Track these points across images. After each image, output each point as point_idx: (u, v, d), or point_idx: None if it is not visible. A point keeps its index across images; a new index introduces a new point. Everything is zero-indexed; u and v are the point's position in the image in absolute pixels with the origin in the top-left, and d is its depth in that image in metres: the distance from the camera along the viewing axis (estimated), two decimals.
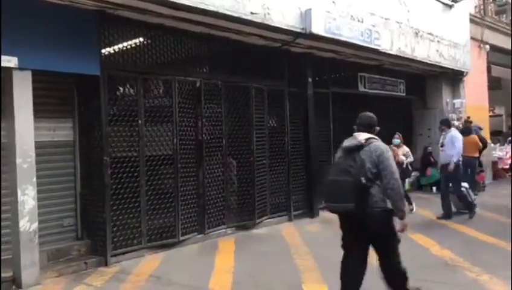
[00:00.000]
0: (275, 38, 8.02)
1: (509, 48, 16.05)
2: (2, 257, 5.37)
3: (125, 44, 6.59)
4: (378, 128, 4.28)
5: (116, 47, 6.45)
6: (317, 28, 7.98)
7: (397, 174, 3.85)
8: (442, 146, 9.01)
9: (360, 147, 3.91)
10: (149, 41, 6.86)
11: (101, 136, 6.10)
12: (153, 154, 6.72)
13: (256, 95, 8.24)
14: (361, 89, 11.14)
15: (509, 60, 16.36)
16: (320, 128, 9.90)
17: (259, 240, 7.54)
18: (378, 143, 3.98)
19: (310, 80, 9.37)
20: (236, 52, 8.07)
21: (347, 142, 4.04)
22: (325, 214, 9.45)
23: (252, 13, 6.95)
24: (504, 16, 15.81)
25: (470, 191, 9.20)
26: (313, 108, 9.44)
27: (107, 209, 6.11)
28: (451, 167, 8.57)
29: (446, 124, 9.20)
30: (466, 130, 12.01)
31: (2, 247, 5.44)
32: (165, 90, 7.00)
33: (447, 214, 8.75)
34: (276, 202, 8.83)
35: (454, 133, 8.98)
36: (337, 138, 10.97)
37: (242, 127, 8.07)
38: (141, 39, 6.78)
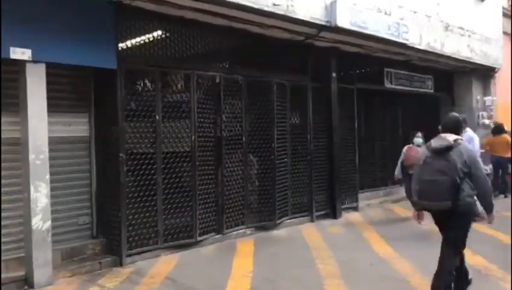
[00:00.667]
0: (298, 31, 7.69)
1: None
2: (14, 256, 5.24)
3: (143, 37, 6.36)
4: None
5: (133, 40, 6.22)
6: (343, 21, 7.63)
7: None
8: None
9: (449, 148, 4.02)
10: (168, 34, 6.61)
11: (117, 132, 5.90)
12: (171, 151, 6.48)
13: (277, 91, 7.93)
14: (387, 85, 10.72)
15: None
16: (345, 125, 9.55)
17: (280, 241, 7.25)
18: (465, 144, 4.23)
19: (334, 75, 9.02)
20: (257, 46, 7.77)
21: (435, 143, 4.14)
22: (348, 215, 9.16)
23: (274, 5, 6.64)
24: None
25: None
26: (337, 104, 9.09)
27: (122, 207, 5.90)
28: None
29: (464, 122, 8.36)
30: (497, 129, 11.50)
31: (15, 245, 5.30)
32: (184, 85, 6.75)
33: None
34: (297, 202, 8.52)
35: (471, 133, 8.47)
36: (362, 135, 10.71)
37: (263, 124, 7.77)
38: (159, 32, 6.54)
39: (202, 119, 6.82)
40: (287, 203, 8.23)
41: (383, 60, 10.31)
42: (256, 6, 6.41)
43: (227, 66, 7.45)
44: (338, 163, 9.14)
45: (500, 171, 11.35)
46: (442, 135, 4.19)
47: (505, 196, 11.12)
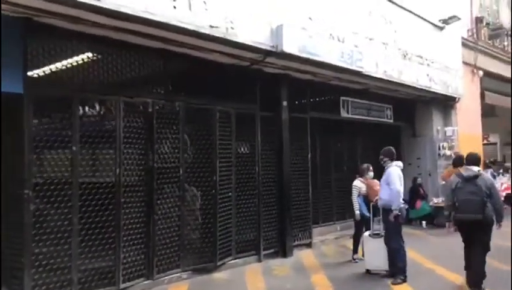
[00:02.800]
0: (242, 56, 7.15)
1: (504, 73, 15.35)
2: None
3: (59, 58, 5.66)
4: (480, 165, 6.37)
5: (47, 62, 5.50)
6: (290, 47, 7.14)
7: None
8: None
9: (476, 176, 5.73)
10: (90, 56, 5.96)
11: (22, 165, 5.14)
12: (90, 186, 5.73)
13: (221, 119, 7.32)
14: (343, 114, 10.26)
15: (504, 87, 15.64)
16: (297, 156, 8.98)
17: (218, 287, 6.53)
18: (486, 175, 6.32)
19: (285, 103, 8.48)
20: (198, 71, 7.18)
21: (466, 173, 5.81)
22: (299, 253, 8.51)
23: (211, 27, 6.09)
24: (498, 40, 15.12)
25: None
26: (288, 134, 8.53)
27: (27, 252, 5.10)
28: (391, 216, 6.48)
29: (388, 154, 6.92)
30: (458, 160, 11.12)
31: None
32: (109, 113, 6.06)
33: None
34: (243, 240, 7.82)
35: (393, 169, 6.70)
36: (318, 166, 10.17)
37: (204, 155, 7.12)
38: (80, 53, 5.85)
39: (130, 150, 6.13)
40: (231, 242, 7.53)
41: (338, 88, 9.89)
42: (189, 28, 5.85)
43: (162, 92, 6.80)
44: (289, 196, 8.53)
45: None
46: (468, 167, 5.91)
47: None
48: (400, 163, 6.90)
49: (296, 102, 9.13)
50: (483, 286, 5.79)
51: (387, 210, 6.60)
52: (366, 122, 11.20)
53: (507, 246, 7.43)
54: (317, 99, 9.83)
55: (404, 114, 12.38)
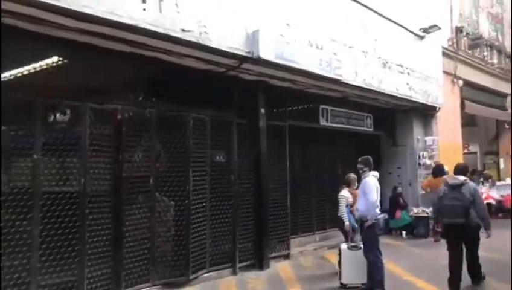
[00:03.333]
0: (217, 62, 6.94)
1: (484, 83, 15.45)
2: None
3: (22, 62, 5.38)
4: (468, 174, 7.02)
5: (9, 65, 5.22)
6: (266, 53, 6.96)
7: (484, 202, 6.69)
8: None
9: (461, 184, 6.17)
10: (56, 59, 5.68)
11: None
12: (53, 197, 5.42)
13: (195, 127, 7.07)
14: (323, 123, 10.11)
15: (483, 97, 15.74)
16: (275, 165, 8.78)
17: None
18: (471, 183, 6.41)
19: (262, 111, 8.28)
20: (172, 76, 6.94)
21: (451, 181, 6.32)
22: (277, 265, 8.28)
23: (183, 30, 5.87)
24: (478, 50, 15.21)
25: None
26: (265, 142, 8.31)
27: None
28: (365, 225, 6.39)
29: (366, 164, 6.71)
30: (437, 170, 11.08)
31: None
32: (75, 119, 5.76)
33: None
34: (218, 252, 7.55)
35: (370, 179, 6.51)
36: (297, 175, 9.96)
37: (176, 164, 6.86)
38: (46, 57, 5.58)
39: (97, 159, 5.84)
40: (205, 254, 7.25)
41: (318, 96, 9.73)
42: (160, 31, 5.62)
43: (133, 98, 6.55)
44: (267, 206, 8.30)
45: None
46: (455, 176, 6.40)
47: None
48: (376, 173, 6.73)
49: (275, 110, 8.93)
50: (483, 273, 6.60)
51: (364, 221, 6.43)
52: (346, 131, 11.06)
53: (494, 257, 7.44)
54: (296, 107, 9.65)
55: (384, 123, 12.28)
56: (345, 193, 7.81)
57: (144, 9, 5.38)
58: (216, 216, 7.51)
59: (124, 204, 6.11)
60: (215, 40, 6.31)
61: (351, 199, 7.72)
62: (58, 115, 5.77)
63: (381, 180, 12.51)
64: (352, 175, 7.98)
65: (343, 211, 7.66)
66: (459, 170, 6.52)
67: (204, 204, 7.26)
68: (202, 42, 6.13)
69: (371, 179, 6.54)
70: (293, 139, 9.52)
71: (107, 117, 6.06)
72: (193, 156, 7.01)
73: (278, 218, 8.68)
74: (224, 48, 6.47)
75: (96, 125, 5.85)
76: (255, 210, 8.15)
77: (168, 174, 6.76)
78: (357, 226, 7.15)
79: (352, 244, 6.92)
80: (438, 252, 9.44)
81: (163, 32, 5.63)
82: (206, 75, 7.27)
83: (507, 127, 13.05)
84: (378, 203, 6.46)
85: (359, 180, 6.88)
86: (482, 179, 15.79)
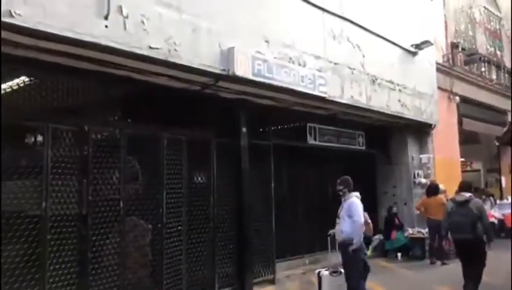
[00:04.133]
0: (191, 80, 6.72)
1: (482, 100, 15.12)
2: None
3: None
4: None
5: None
6: (242, 70, 6.74)
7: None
8: (338, 217, 6.46)
9: (468, 201, 6.53)
10: (19, 80, 5.48)
11: None
12: (11, 221, 5.16)
13: (169, 147, 6.82)
14: (310, 141, 9.83)
15: (482, 113, 15.39)
16: (260, 185, 8.49)
17: None
18: (477, 199, 6.87)
19: (244, 130, 8.02)
20: (145, 95, 6.73)
21: (458, 198, 6.70)
22: None
23: (150, 48, 5.66)
24: (475, 66, 14.93)
25: None
26: (248, 162, 8.04)
27: None
28: (350, 249, 6.07)
29: (347, 184, 6.43)
30: (431, 189, 10.72)
31: None
32: (36, 140, 5.55)
33: None
34: (196, 278, 7.21)
35: (355, 201, 6.26)
36: (285, 196, 9.65)
37: (149, 186, 6.60)
38: (7, 77, 5.38)
39: (60, 182, 5.59)
40: (181, 281, 6.92)
41: (304, 114, 9.49)
42: (125, 49, 5.42)
43: (102, 118, 6.32)
44: (249, 229, 7.99)
45: (436, 235, 10.45)
46: (462, 193, 6.74)
47: (442, 263, 10.17)
48: (358, 194, 6.41)
49: (258, 129, 8.69)
50: None
51: (347, 245, 6.11)
52: (337, 149, 10.78)
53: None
54: (282, 126, 9.40)
55: (377, 141, 11.96)
56: None
57: (106, 26, 5.19)
58: (193, 240, 7.20)
59: (90, 229, 5.83)
60: (186, 58, 6.10)
61: None
62: (18, 135, 5.55)
63: (376, 200, 12.39)
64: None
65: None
66: (464, 187, 6.96)
67: (180, 228, 6.96)
68: (171, 60, 5.92)
69: (356, 200, 6.25)
70: (280, 158, 9.27)
71: (73, 138, 5.82)
72: (168, 178, 6.75)
73: (262, 241, 8.37)
74: (196, 66, 6.26)
75: (60, 146, 5.62)
76: (236, 233, 7.84)
77: (140, 197, 6.50)
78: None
79: (333, 269, 6.57)
80: (432, 276, 9.09)
81: (128, 50, 5.43)
82: (182, 93, 7.06)
83: (497, 143, 12.69)
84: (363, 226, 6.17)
85: (339, 202, 6.51)
86: (484, 197, 15.38)
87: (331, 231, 6.70)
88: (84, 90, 6.03)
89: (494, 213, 14.77)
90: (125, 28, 5.39)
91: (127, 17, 5.40)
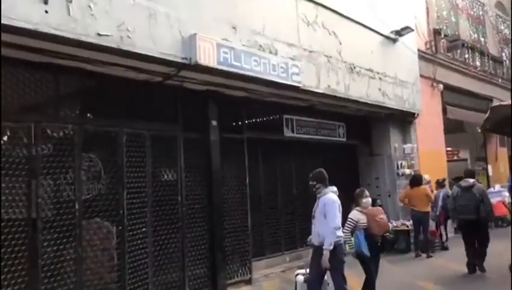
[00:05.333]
0: (150, 70, 6.25)
1: (466, 87, 14.81)
2: None
3: None
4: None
5: None
6: (206, 59, 6.29)
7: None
8: (313, 217, 5.67)
9: (472, 186, 7.58)
10: None
11: None
12: None
13: (129, 143, 6.35)
14: (287, 134, 9.40)
15: (467, 101, 15.08)
16: (233, 181, 8.07)
17: None
18: (479, 184, 7.88)
19: (214, 123, 7.59)
20: (101, 88, 6.25)
21: (464, 183, 7.71)
22: None
23: (99, 35, 5.18)
24: (458, 52, 14.58)
25: None
26: (219, 157, 7.61)
27: None
28: (325, 257, 5.30)
29: (321, 179, 5.68)
30: (414, 180, 10.37)
31: None
32: None
33: None
34: (164, 282, 6.77)
35: (330, 197, 5.53)
36: (262, 191, 9.23)
37: (107, 185, 6.14)
38: None
39: (3, 184, 5.10)
40: (147, 285, 6.48)
41: (280, 105, 9.05)
42: (69, 36, 4.93)
43: (52, 113, 5.82)
44: (221, 228, 7.57)
45: (421, 227, 10.12)
46: (466, 179, 7.76)
47: (428, 256, 9.84)
48: (335, 188, 5.72)
49: (232, 122, 8.25)
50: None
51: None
52: (316, 141, 10.36)
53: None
54: (256, 118, 8.96)
55: (358, 132, 11.59)
56: (353, 215, 6.06)
57: (46, 12, 4.70)
58: (160, 242, 6.76)
59: (40, 234, 5.36)
60: (142, 46, 5.62)
61: (363, 221, 5.99)
62: None
63: None
64: (358, 190, 6.42)
65: (346, 237, 5.93)
66: (468, 173, 8.06)
67: (144, 229, 6.51)
68: (124, 48, 5.43)
69: (332, 197, 5.55)
70: (255, 152, 8.87)
71: (19, 136, 5.34)
72: (128, 176, 6.29)
73: (237, 239, 7.96)
74: (153, 54, 5.78)
75: (6, 145, 5.13)
76: (207, 232, 7.42)
77: (98, 198, 6.03)
78: (368, 254, 5.89)
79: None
80: (416, 270, 8.74)
81: (73, 37, 4.95)
82: (143, 85, 6.59)
83: (479, 130, 12.39)
84: (340, 225, 5.55)
85: (314, 198, 5.97)
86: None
87: (309, 238, 5.84)
88: (31, 83, 5.51)
89: None
90: (69, 13, 4.91)
91: (70, 1, 4.91)
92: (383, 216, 6.18)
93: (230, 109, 8.01)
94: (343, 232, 5.85)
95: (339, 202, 5.61)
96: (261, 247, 8.99)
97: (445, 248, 10.69)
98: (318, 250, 5.45)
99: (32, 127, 5.38)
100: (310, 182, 5.72)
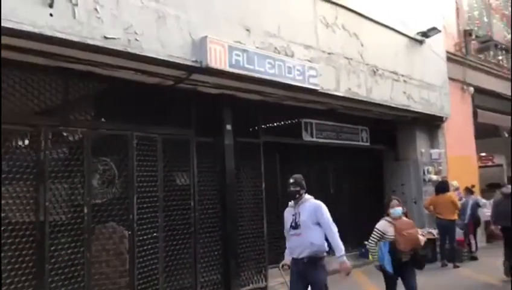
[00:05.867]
0: (160, 73, 6.17)
1: (499, 90, 14.18)
2: None
3: None
4: None
5: None
6: (217, 62, 6.17)
7: None
8: (295, 227, 5.00)
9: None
10: None
11: None
12: None
13: (141, 147, 6.29)
14: (306, 138, 9.16)
15: (499, 104, 14.42)
16: (249, 186, 7.91)
17: None
18: None
19: (228, 127, 7.45)
20: (112, 92, 6.24)
21: (505, 190, 8.22)
22: None
23: (106, 38, 5.13)
24: (491, 54, 13.98)
25: None
26: (233, 162, 7.46)
27: None
28: (346, 264, 4.87)
29: (301, 184, 5.07)
30: (440, 187, 9.95)
31: None
32: None
33: None
34: (175, 289, 6.66)
35: (317, 201, 5.05)
36: (278, 197, 9.03)
37: (118, 190, 6.08)
38: None
39: (13, 188, 5.12)
40: None
41: (298, 109, 8.83)
42: (75, 39, 4.89)
43: (60, 117, 5.77)
44: (235, 234, 7.42)
45: (447, 236, 9.69)
46: (505, 187, 8.41)
47: (454, 266, 9.41)
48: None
49: (248, 126, 8.10)
50: None
51: (317, 259, 4.88)
52: (338, 146, 10.09)
53: None
54: (274, 122, 8.79)
55: (383, 136, 11.22)
56: (380, 225, 5.55)
57: (51, 15, 4.68)
58: (172, 247, 6.66)
59: (48, 238, 5.34)
60: (150, 49, 5.55)
61: (390, 233, 5.44)
62: None
63: (384, 199, 11.61)
64: (387, 199, 5.94)
65: (370, 247, 5.63)
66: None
67: (155, 234, 6.43)
68: (132, 51, 5.37)
69: (318, 201, 5.04)
70: (272, 157, 8.69)
71: (28, 140, 5.36)
72: (139, 180, 6.22)
73: (252, 246, 7.78)
74: (163, 57, 5.70)
75: (11, 150, 5.15)
76: (221, 238, 7.28)
77: (107, 202, 5.99)
78: (391, 272, 5.37)
79: None
80: (441, 281, 8.35)
81: (79, 40, 4.91)
82: (155, 89, 6.52)
83: (506, 135, 11.88)
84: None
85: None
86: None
87: (282, 263, 5.31)
88: (39, 87, 5.52)
89: None
90: (74, 17, 4.87)
91: (76, 4, 4.88)
92: (412, 230, 5.50)
93: (246, 113, 7.85)
94: (370, 242, 5.54)
95: None
96: (278, 254, 8.76)
97: (474, 258, 10.22)
98: (308, 263, 4.86)
99: (42, 130, 5.38)
100: (292, 188, 5.08)
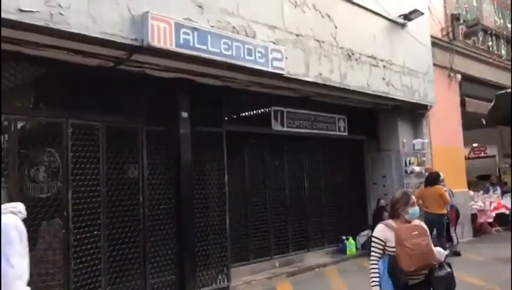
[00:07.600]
0: (100, 54, 5.53)
1: (489, 78, 13.53)
2: None
3: None
4: None
5: None
6: (162, 40, 5.52)
7: None
8: None
9: None
10: None
11: None
12: None
13: (77, 136, 5.67)
14: (276, 127, 8.54)
15: (488, 93, 13.76)
16: (209, 179, 7.31)
17: None
18: None
19: (184, 115, 6.83)
20: (43, 74, 5.59)
21: None
22: None
23: (21, 10, 4.49)
24: (480, 40, 13.32)
25: None
26: (189, 153, 6.85)
27: None
28: None
29: None
30: (430, 179, 9.26)
31: None
32: None
33: None
34: None
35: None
36: (249, 190, 8.43)
37: (48, 184, 5.47)
38: None
39: None
40: None
41: (268, 96, 8.21)
42: None
43: None
44: (191, 231, 6.82)
45: (435, 231, 9.07)
46: None
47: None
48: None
49: (209, 114, 7.46)
50: None
51: None
52: (314, 136, 9.48)
53: None
54: (239, 111, 8.18)
55: (363, 125, 10.61)
56: (378, 232, 3.66)
57: None
58: (117, 246, 6.06)
59: None
60: (78, 25, 4.90)
61: (390, 243, 3.54)
62: None
63: (365, 192, 11.07)
64: (402, 194, 3.90)
65: (372, 264, 3.60)
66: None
67: (96, 232, 5.83)
68: (55, 27, 4.72)
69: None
70: (237, 148, 8.07)
71: None
72: (75, 173, 5.61)
73: (213, 244, 7.19)
74: (95, 35, 5.05)
75: None
76: (175, 236, 6.68)
77: (36, 198, 5.37)
78: None
79: None
80: None
81: None
82: (97, 73, 5.89)
83: (483, 122, 11.26)
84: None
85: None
86: (488, 185, 13.93)
87: None
88: None
89: (505, 203, 13.32)
90: None
91: None
92: (420, 240, 3.52)
93: (206, 100, 7.23)
94: (371, 260, 3.61)
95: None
96: (244, 251, 8.20)
97: (457, 254, 9.62)
98: None
99: None
100: None
